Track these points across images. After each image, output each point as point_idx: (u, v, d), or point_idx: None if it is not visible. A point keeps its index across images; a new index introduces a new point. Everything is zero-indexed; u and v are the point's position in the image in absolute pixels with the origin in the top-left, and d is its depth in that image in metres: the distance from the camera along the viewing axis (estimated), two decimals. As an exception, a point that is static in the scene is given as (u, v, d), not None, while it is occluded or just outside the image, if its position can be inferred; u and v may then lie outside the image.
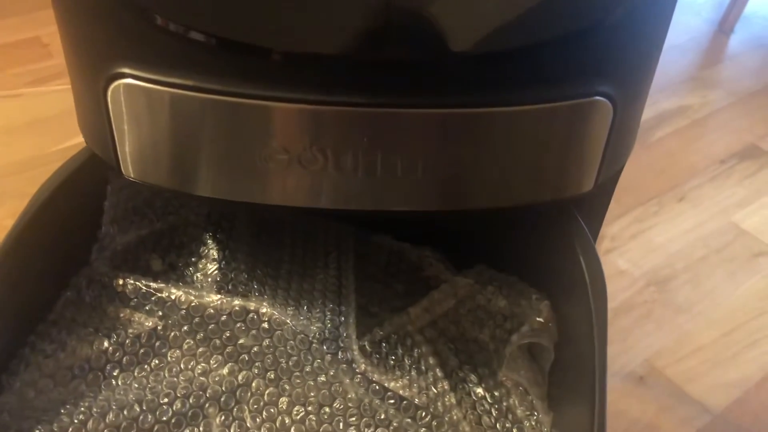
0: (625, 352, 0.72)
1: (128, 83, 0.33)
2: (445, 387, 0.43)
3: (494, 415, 0.43)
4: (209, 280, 0.47)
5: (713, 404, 0.67)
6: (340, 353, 0.43)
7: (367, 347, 0.44)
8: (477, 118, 0.32)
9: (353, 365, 0.42)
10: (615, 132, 0.35)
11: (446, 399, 0.42)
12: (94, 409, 0.40)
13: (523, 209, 0.38)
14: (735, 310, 0.76)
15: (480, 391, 0.44)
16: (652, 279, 0.79)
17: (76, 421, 0.39)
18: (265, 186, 0.36)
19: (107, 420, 0.39)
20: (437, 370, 0.44)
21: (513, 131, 0.33)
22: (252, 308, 0.43)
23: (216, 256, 0.49)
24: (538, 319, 0.43)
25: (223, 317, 0.43)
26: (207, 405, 0.41)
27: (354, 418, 0.41)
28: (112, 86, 0.33)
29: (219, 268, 0.48)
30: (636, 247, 0.83)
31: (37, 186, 0.71)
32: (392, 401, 0.42)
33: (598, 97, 0.33)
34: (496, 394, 0.44)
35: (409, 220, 0.50)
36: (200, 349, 0.44)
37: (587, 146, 0.35)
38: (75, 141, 0.76)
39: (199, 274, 0.48)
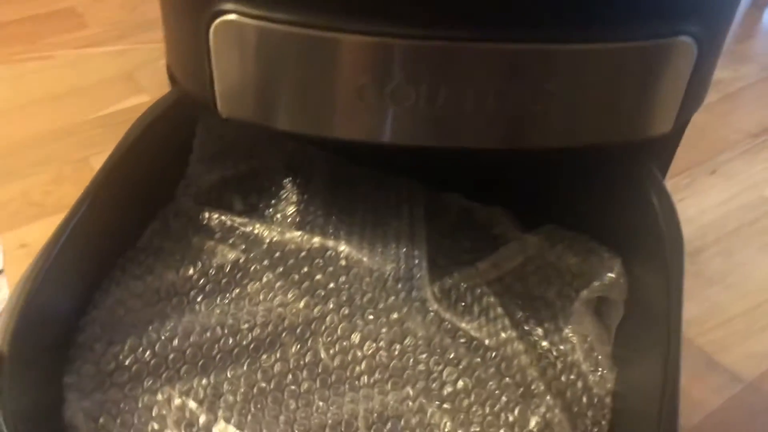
0: (657, 322, 0.72)
1: (232, 20, 0.34)
2: (513, 335, 0.44)
3: (559, 367, 0.44)
4: (288, 221, 0.49)
5: (744, 373, 0.66)
6: (414, 292, 0.44)
7: (437, 293, 0.45)
8: (565, 55, 0.33)
9: (426, 304, 0.44)
10: (697, 72, 0.34)
11: (515, 345, 0.43)
12: (179, 329, 0.42)
13: (600, 154, 0.38)
14: (766, 283, 0.75)
15: (546, 344, 0.45)
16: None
17: (162, 337, 0.41)
18: (357, 122, 0.37)
19: (191, 339, 0.42)
20: (505, 319, 0.45)
21: (600, 69, 0.33)
22: (330, 245, 0.45)
23: (295, 200, 0.50)
24: (609, 275, 0.44)
25: (303, 253, 0.45)
26: (284, 334, 0.43)
27: (424, 355, 0.42)
28: (215, 23, 0.34)
29: (297, 211, 0.49)
30: (666, 218, 0.82)
31: (76, 153, 0.74)
32: (463, 340, 0.43)
33: (682, 37, 0.33)
34: (562, 347, 0.45)
35: (479, 179, 0.51)
36: (279, 283, 0.45)
37: (669, 86, 0.35)
38: (115, 108, 0.79)
39: (278, 215, 0.50)
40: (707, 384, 0.66)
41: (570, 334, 0.45)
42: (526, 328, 0.46)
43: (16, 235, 0.66)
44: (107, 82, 0.83)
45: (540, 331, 0.46)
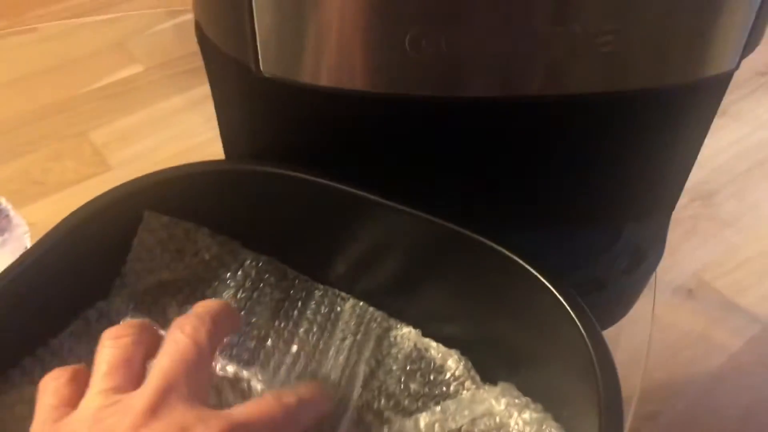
0: (673, 267, 0.73)
1: None
2: None
3: None
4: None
5: (763, 314, 0.67)
6: None
7: None
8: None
9: None
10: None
11: None
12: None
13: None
14: (779, 223, 0.76)
15: None
16: (697, 194, 0.80)
17: None
18: (419, 74, 0.33)
19: None
20: None
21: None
22: (245, 377, 0.39)
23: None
24: None
25: (215, 382, 0.38)
26: None
27: None
28: None
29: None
30: (680, 164, 0.83)
31: (73, 128, 0.73)
32: None
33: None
34: None
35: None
36: None
37: (737, 18, 0.33)
38: (109, 79, 0.77)
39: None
40: (727, 326, 0.67)
41: None
42: None
43: (22, 214, 0.64)
44: (98, 53, 0.81)
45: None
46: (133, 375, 0.30)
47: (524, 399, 0.40)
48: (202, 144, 0.72)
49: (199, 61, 0.86)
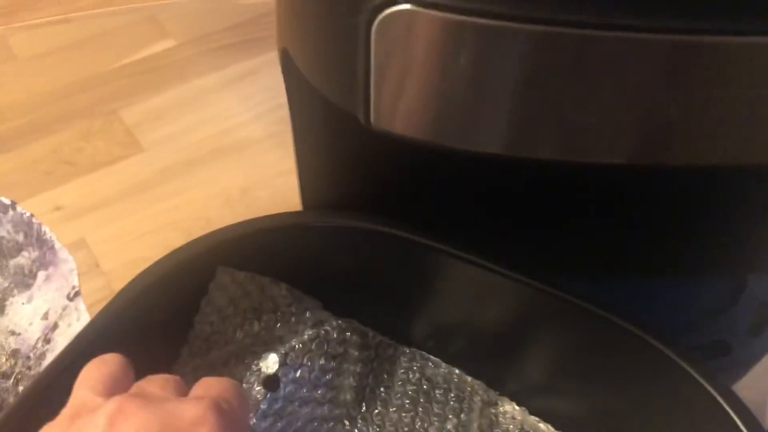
0: None
1: (405, 10, 0.26)
2: None
3: None
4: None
5: None
6: None
7: None
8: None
9: None
10: None
11: None
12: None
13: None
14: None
15: None
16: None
17: None
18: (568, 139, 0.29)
19: None
20: None
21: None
22: None
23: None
24: None
25: None
26: None
27: None
28: (381, 16, 0.26)
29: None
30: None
31: (103, 106, 0.69)
32: None
33: None
34: None
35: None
36: None
37: None
38: (140, 55, 0.74)
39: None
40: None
41: None
42: None
43: (50, 197, 0.63)
44: (127, 27, 0.77)
45: None
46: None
47: None
48: (237, 126, 0.69)
49: (234, 38, 0.82)
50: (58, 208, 0.62)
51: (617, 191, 0.34)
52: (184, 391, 0.29)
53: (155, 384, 0.28)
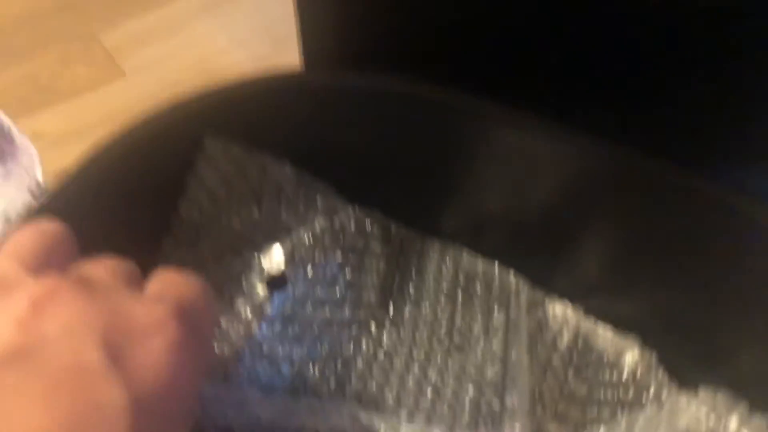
0: None
1: None
2: None
3: None
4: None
5: None
6: None
7: None
8: None
9: None
10: None
11: None
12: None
13: None
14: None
15: None
16: None
17: None
18: None
19: None
20: None
21: None
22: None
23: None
24: None
25: None
26: None
27: None
28: None
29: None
30: None
31: (82, 28, 0.64)
32: None
33: None
34: None
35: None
36: None
37: None
38: None
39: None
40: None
41: None
42: None
43: (29, 124, 0.59)
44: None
45: None
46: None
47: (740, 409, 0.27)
48: (220, 52, 0.65)
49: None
50: (38, 136, 0.58)
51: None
52: (140, 285, 0.22)
53: (103, 269, 0.21)
